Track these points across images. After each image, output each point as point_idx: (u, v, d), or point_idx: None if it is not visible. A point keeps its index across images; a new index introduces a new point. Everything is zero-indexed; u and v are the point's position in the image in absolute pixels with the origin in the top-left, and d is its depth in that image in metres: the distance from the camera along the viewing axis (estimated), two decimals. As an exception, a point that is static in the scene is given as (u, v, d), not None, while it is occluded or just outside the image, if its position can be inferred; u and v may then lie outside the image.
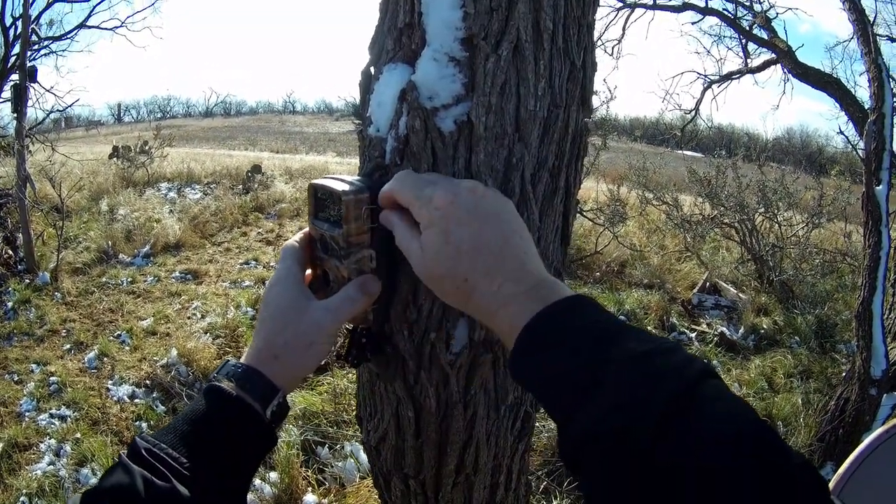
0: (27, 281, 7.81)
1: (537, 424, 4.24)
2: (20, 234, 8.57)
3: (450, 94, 1.05)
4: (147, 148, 15.70)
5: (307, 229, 1.13)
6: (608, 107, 8.98)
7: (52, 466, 4.23)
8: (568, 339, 0.73)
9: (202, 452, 0.85)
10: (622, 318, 6.58)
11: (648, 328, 6.61)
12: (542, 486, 3.80)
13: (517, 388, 1.44)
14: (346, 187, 1.04)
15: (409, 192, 0.92)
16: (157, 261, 9.11)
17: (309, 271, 1.14)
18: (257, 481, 3.85)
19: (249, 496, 3.61)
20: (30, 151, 12.49)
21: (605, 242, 8.79)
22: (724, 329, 6.66)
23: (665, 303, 7.33)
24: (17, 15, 12.14)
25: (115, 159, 15.50)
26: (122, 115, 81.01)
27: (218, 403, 0.89)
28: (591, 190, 11.36)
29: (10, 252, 8.60)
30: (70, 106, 15.98)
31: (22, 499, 3.91)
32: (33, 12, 14.98)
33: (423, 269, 0.90)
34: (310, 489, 3.79)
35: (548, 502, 3.67)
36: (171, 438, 0.84)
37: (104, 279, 8.18)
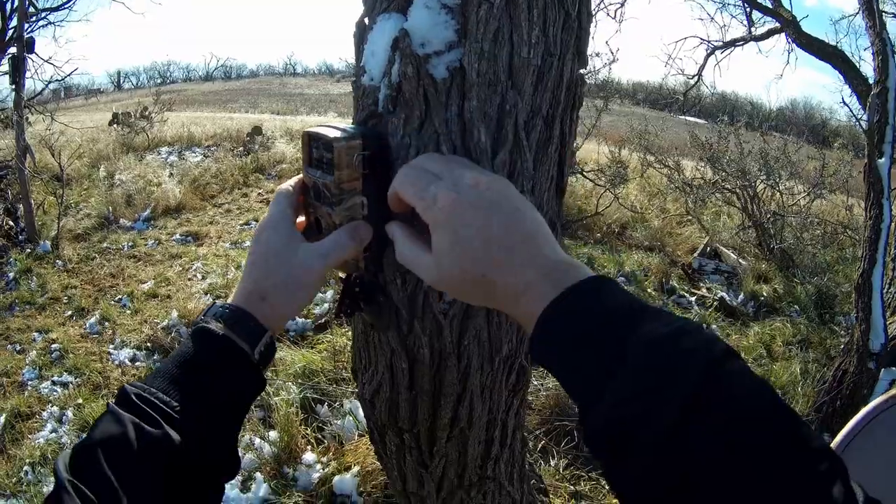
0: (28, 250, 7.84)
1: (535, 383, 4.27)
2: (21, 205, 8.60)
3: (442, 40, 1.05)
4: (147, 113, 15.67)
5: (301, 176, 1.13)
6: (610, 69, 8.92)
7: (54, 434, 4.27)
8: (587, 324, 0.72)
9: (192, 394, 0.85)
10: (622, 279, 6.58)
11: (648, 290, 6.65)
12: (539, 446, 3.83)
13: (511, 340, 1.44)
14: (339, 134, 1.05)
15: (413, 191, 0.91)
16: (158, 224, 9.13)
17: (302, 219, 1.15)
18: (257, 440, 3.89)
19: (249, 455, 3.65)
20: (29, 122, 12.51)
21: (606, 203, 8.78)
22: (724, 294, 6.66)
23: (665, 265, 7.32)
24: (14, -12, 12.07)
25: (114, 126, 15.48)
26: (121, 82, 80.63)
27: (206, 344, 0.90)
28: (593, 152, 11.30)
29: (11, 223, 8.63)
30: (69, 75, 15.94)
31: (25, 468, 3.94)
32: None
33: (436, 275, 0.89)
34: (309, 447, 3.81)
35: (545, 461, 3.70)
36: (161, 382, 0.85)
37: (105, 244, 8.21)
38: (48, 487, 3.68)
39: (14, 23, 10.06)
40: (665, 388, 0.61)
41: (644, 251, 7.95)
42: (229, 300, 0.98)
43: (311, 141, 1.10)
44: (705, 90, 10.89)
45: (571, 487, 3.49)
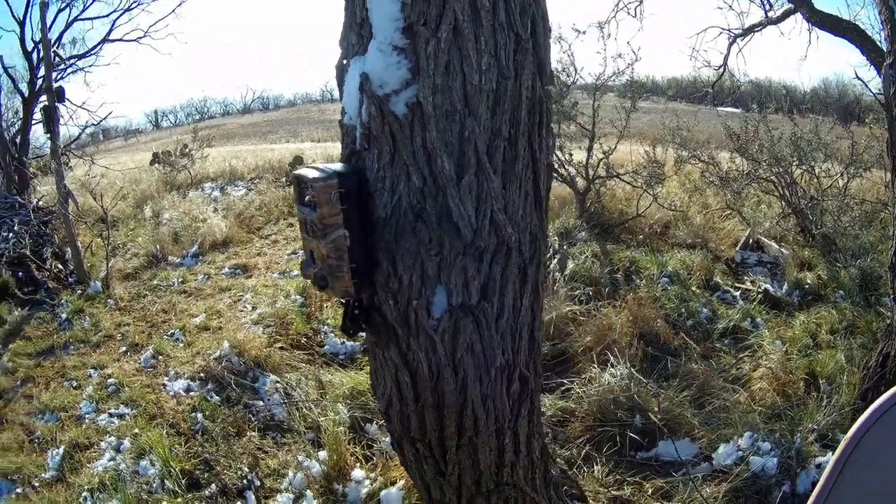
0: (79, 291, 8.11)
1: (578, 391, 4.23)
2: (68, 248, 8.93)
3: (398, 80, 1.14)
4: (187, 151, 15.99)
5: None
6: (633, 69, 8.87)
7: (112, 462, 4.37)
8: None
9: None
10: (665, 280, 6.48)
11: (692, 288, 6.54)
12: (583, 453, 3.82)
13: (506, 351, 1.53)
14: (317, 174, 1.15)
15: None
16: (207, 259, 9.31)
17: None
18: (306, 460, 4.01)
19: (300, 475, 3.77)
20: (69, 167, 12.87)
21: (646, 205, 8.72)
22: (768, 286, 6.54)
23: (708, 262, 7.18)
24: (38, 39, 12.51)
25: (156, 165, 15.87)
26: (159, 121, 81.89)
27: None
28: (627, 153, 11.16)
29: (60, 266, 9.00)
30: (104, 119, 16.53)
31: (84, 494, 4.08)
32: (53, 34, 15.53)
33: None
34: (358, 465, 3.91)
35: (588, 468, 3.71)
36: None
37: (155, 282, 8.40)
38: (106, 511, 3.87)
39: (42, 72, 10.41)
40: None
41: (687, 249, 7.81)
42: None
43: (298, 182, 1.21)
44: (735, 79, 10.77)
45: (612, 493, 3.49)
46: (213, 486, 3.88)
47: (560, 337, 5.11)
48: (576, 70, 8.99)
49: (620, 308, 5.61)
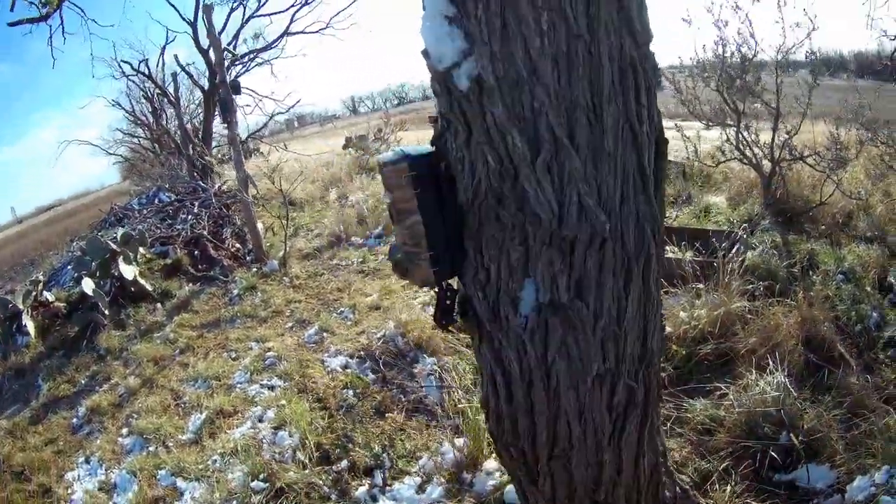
0: (254, 269, 8.58)
1: (731, 397, 3.86)
2: (247, 229, 9.51)
3: (454, 52, 1.02)
4: (381, 135, 16.61)
5: None
6: (810, 39, 8.00)
7: (251, 430, 4.57)
8: None
9: None
10: (840, 276, 5.82)
11: (866, 287, 5.62)
12: (721, 466, 3.46)
13: (607, 359, 1.37)
14: (389, 157, 1.10)
15: None
16: (390, 241, 9.45)
17: None
18: (443, 446, 4.01)
19: (430, 460, 3.75)
20: (261, 153, 13.99)
21: (829, 192, 7.94)
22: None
23: (884, 259, 6.18)
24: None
25: (349, 149, 16.57)
26: (356, 107, 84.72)
27: None
28: (814, 134, 10.12)
29: (238, 245, 9.65)
30: (291, 108, 17.45)
31: (214, 458, 4.29)
32: (230, 31, 16.73)
33: None
34: (493, 456, 3.79)
35: (721, 487, 3.28)
36: None
37: (335, 261, 8.69)
38: (233, 475, 4.04)
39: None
40: None
41: (866, 243, 6.91)
42: None
43: (379, 166, 1.16)
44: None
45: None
46: (344, 461, 3.97)
47: (726, 336, 4.70)
48: (756, 42, 8.21)
49: (791, 307, 5.08)
